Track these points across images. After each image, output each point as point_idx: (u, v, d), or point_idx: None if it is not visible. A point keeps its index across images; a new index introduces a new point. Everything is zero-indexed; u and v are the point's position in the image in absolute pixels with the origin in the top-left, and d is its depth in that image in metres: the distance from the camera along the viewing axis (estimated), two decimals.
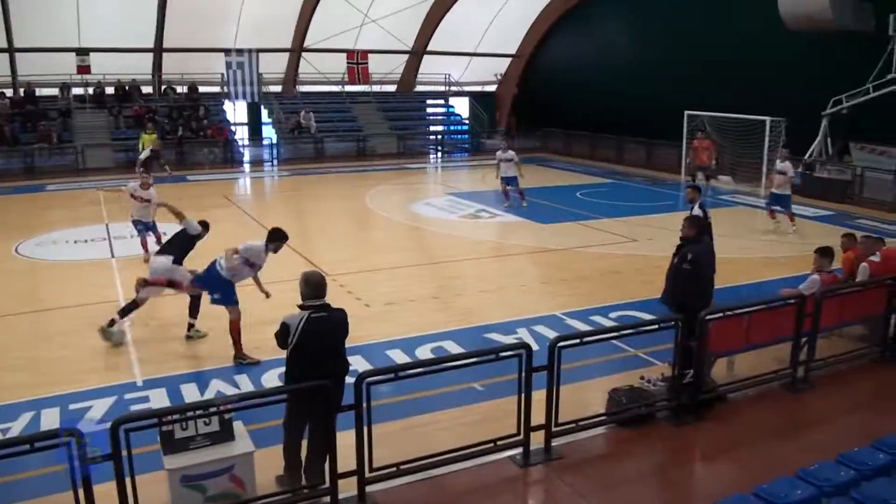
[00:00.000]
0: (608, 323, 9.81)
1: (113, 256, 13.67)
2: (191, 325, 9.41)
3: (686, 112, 24.06)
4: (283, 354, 5.76)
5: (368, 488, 5.83)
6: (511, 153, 19.27)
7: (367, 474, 5.81)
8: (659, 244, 14.43)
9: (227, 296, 8.68)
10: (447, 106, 36.75)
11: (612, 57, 31.26)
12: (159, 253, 9.54)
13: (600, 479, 6.13)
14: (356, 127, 32.49)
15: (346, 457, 5.64)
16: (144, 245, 13.31)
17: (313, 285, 5.83)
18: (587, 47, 33.27)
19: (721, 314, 7.31)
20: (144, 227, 13.29)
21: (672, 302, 7.80)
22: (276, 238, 8.59)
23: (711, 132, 23.03)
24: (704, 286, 7.78)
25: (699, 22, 26.68)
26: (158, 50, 29.58)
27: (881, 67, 20.44)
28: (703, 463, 6.59)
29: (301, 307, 5.78)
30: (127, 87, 29.37)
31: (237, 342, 8.61)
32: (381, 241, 15.70)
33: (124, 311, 9.36)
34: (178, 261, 9.27)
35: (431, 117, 35.85)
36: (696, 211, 10.27)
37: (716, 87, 25.39)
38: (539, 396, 6.31)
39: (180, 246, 9.38)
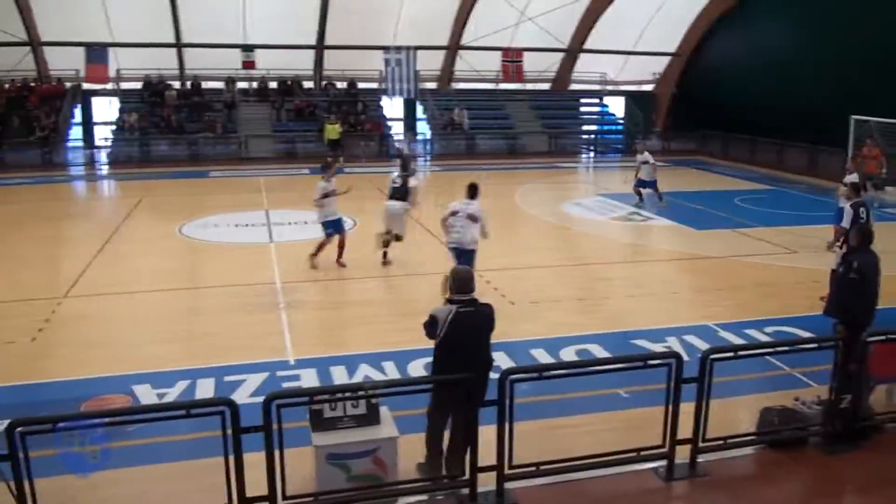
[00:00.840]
0: (763, 338, 9.33)
1: (272, 241, 14.49)
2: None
3: (853, 117, 22.32)
4: (431, 344, 5.89)
5: (507, 485, 5.86)
6: (647, 155, 18.98)
7: (507, 471, 5.84)
8: (821, 257, 13.45)
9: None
10: (602, 105, 36.12)
11: (773, 57, 29.52)
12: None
13: (746, 500, 5.84)
14: (508, 125, 32.60)
15: (486, 452, 5.70)
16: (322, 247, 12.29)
17: (461, 280, 5.93)
18: (748, 47, 31.64)
19: (884, 336, 6.75)
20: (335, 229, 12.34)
21: (836, 313, 7.45)
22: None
23: (880, 139, 21.25)
24: (871, 300, 7.36)
25: (868, 16, 24.70)
26: (320, 47, 31.07)
27: None
28: (856, 496, 6.12)
29: (449, 301, 5.89)
30: (289, 82, 31.05)
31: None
32: (529, 239, 15.70)
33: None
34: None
35: (585, 116, 35.36)
36: (847, 210, 10.09)
37: (888, 88, 23.39)
38: (686, 409, 6.10)
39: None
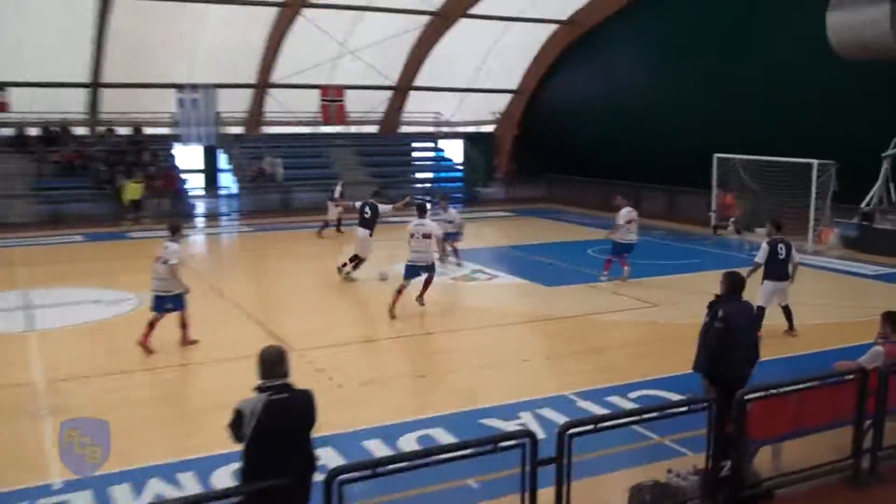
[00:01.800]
0: (628, 405, 9.67)
1: (31, 329, 13.49)
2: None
3: (716, 156, 24.32)
4: (239, 448, 5.62)
5: None
6: (452, 213, 19.48)
7: None
8: (686, 309, 14.38)
9: None
10: (437, 149, 37.17)
11: (626, 93, 31.82)
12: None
13: None
14: (330, 174, 32.75)
15: None
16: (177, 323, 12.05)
17: (269, 363, 5.72)
18: (598, 82, 33.90)
19: (764, 392, 7.18)
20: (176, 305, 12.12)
21: (703, 369, 7.90)
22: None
23: (745, 180, 23.27)
24: (741, 352, 7.83)
25: (728, 51, 27.26)
26: (95, 85, 29.85)
27: None
28: None
29: (258, 389, 5.65)
30: (55, 128, 29.48)
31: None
32: (359, 308, 15.60)
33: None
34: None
35: (418, 163, 36.25)
36: (763, 247, 12.64)
37: (751, 126, 25.77)
38: (546, 495, 6.13)
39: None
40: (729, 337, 7.76)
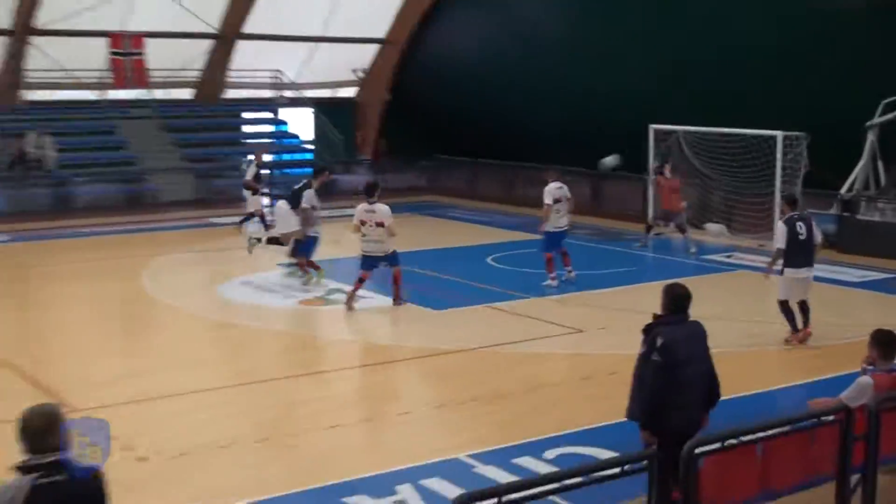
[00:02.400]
0: (543, 468, 9.79)
1: None
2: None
3: (652, 127, 24.99)
4: None
5: None
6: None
7: None
8: (619, 335, 14.69)
9: None
10: (277, 121, 36.99)
11: (537, 48, 32.27)
12: None
13: None
14: (126, 158, 32.05)
15: None
16: None
17: (35, 431, 5.56)
18: (499, 32, 34.24)
19: (720, 444, 7.39)
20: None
21: (639, 417, 8.00)
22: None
23: (687, 158, 23.99)
24: (688, 393, 7.96)
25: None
26: None
27: None
28: None
29: (19, 470, 5.49)
30: None
31: None
32: (169, 347, 15.35)
33: None
34: None
35: (251, 140, 35.98)
36: (780, 227, 14.29)
37: (699, 93, 26.55)
38: None
39: None
40: (671, 373, 7.86)
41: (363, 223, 16.79)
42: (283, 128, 37.01)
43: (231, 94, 37.00)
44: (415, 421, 11.63)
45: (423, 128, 36.38)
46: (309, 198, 18.71)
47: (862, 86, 23.00)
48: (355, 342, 15.28)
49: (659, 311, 8.26)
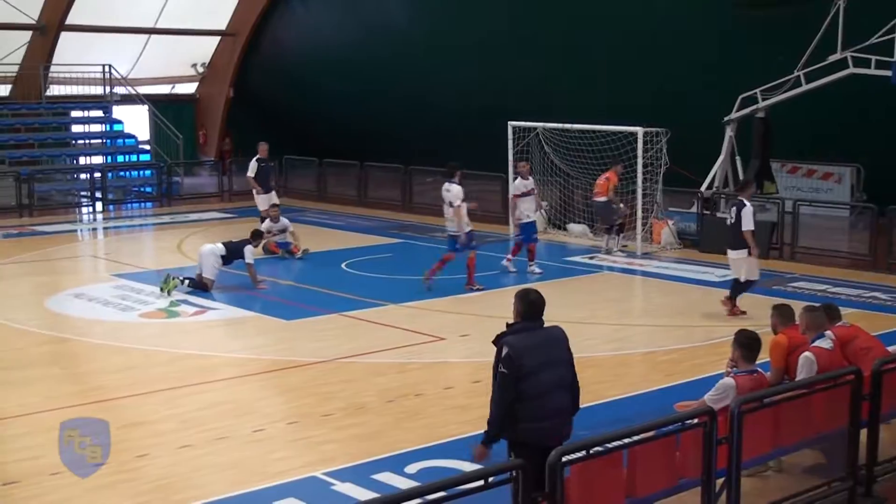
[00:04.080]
0: (404, 483, 9.89)
1: None
2: None
3: (511, 123, 25.37)
4: None
5: None
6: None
7: None
8: (480, 342, 14.90)
9: None
10: (111, 120, 36.31)
11: (389, 38, 32.42)
12: None
13: None
14: None
15: None
16: None
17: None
18: (347, 22, 34.29)
19: (583, 453, 7.55)
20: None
21: (494, 429, 8.11)
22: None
23: (548, 155, 24.42)
24: (540, 403, 8.02)
25: None
26: None
27: (818, 44, 22.46)
28: None
29: None
30: None
31: None
32: None
33: None
34: None
35: (80, 141, 35.33)
36: (748, 210, 16.36)
37: (556, 89, 27.06)
38: None
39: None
40: (518, 384, 7.91)
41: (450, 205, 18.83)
42: (117, 127, 36.29)
43: (56, 90, 36.14)
44: (269, 438, 11.59)
45: (269, 126, 36.15)
46: (250, 254, 19.26)
47: (721, 81, 23.71)
48: (203, 357, 15.09)
49: (512, 320, 8.30)
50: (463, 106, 29.49)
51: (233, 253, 19.27)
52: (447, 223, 19.02)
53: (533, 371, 8.01)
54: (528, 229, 20.56)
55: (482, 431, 8.28)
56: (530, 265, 20.39)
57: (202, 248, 19.45)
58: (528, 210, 20.58)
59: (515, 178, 21.29)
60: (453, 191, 18.64)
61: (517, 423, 8.01)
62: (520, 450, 7.88)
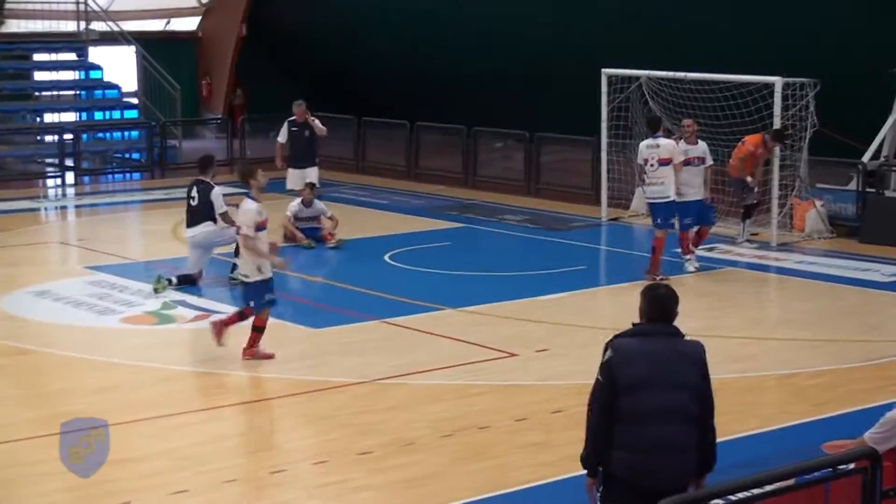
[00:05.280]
0: None
1: None
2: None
3: (605, 71, 25.26)
4: None
5: None
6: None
7: None
8: (563, 359, 14.90)
9: None
10: (86, 65, 36.65)
11: None
12: None
13: None
14: None
15: None
16: None
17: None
18: None
19: (718, 502, 7.47)
20: None
21: (591, 455, 8.01)
22: None
23: (652, 112, 24.29)
24: (641, 430, 7.89)
25: None
26: None
27: None
28: None
29: None
30: None
31: None
32: None
33: None
34: None
35: (48, 92, 35.75)
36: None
37: (661, 29, 26.93)
38: None
39: None
40: (616, 398, 7.85)
41: (645, 161, 19.52)
42: (95, 74, 36.55)
43: (14, 26, 36.42)
44: (291, 481, 11.59)
45: (292, 74, 36.27)
46: (219, 197, 19.15)
47: (889, 17, 23.45)
48: (204, 375, 15.19)
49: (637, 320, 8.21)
50: (541, 49, 29.36)
51: (203, 210, 19.21)
52: (654, 187, 19.39)
53: (635, 386, 7.86)
54: (688, 209, 20.10)
55: (562, 477, 8.25)
56: (688, 257, 20.36)
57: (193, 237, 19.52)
58: (692, 183, 20.10)
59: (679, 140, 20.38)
60: (666, 146, 19.28)
61: (612, 450, 7.91)
62: (612, 486, 7.85)
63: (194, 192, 19.12)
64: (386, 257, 21.70)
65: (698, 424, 7.98)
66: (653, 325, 8.12)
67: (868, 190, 23.09)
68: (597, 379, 7.93)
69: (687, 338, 8.13)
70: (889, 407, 9.43)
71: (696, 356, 8.08)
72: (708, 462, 8.07)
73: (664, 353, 8.07)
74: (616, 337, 8.05)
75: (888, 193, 22.55)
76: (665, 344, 8.08)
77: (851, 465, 8.03)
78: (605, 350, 7.98)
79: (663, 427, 7.91)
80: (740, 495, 7.49)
